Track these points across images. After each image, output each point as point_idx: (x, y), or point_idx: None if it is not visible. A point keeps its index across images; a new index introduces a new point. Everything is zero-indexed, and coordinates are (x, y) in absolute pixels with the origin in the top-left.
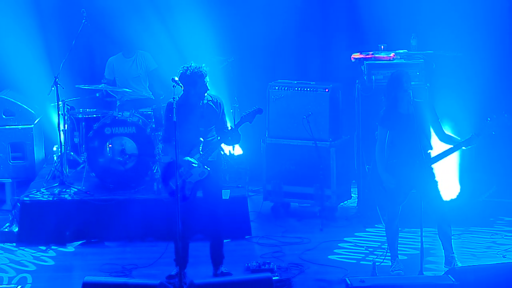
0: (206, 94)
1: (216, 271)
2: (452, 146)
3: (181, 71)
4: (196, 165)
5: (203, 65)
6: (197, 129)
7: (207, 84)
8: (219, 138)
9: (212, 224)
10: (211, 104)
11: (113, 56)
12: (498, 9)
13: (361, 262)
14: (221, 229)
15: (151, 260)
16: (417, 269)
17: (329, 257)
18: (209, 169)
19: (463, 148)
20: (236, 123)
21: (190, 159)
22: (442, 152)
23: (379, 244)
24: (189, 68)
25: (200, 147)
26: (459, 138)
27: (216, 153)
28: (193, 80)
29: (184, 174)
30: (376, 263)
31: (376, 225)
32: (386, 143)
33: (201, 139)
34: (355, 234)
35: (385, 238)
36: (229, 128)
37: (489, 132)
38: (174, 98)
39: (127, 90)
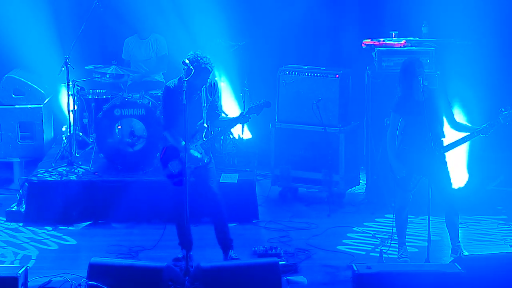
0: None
1: (226, 257)
2: (465, 134)
3: (196, 58)
4: (196, 153)
5: (208, 56)
6: (200, 114)
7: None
8: (219, 129)
9: (213, 209)
10: (210, 88)
11: (130, 37)
12: None
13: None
14: (223, 213)
15: (159, 242)
16: (423, 257)
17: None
18: (206, 159)
19: (476, 136)
20: (242, 114)
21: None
22: (456, 141)
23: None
24: (204, 57)
25: (204, 134)
26: (470, 125)
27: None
28: (205, 70)
29: (183, 160)
30: (383, 251)
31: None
32: (398, 130)
33: (206, 125)
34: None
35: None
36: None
37: (504, 123)
38: (183, 80)
39: (132, 74)
